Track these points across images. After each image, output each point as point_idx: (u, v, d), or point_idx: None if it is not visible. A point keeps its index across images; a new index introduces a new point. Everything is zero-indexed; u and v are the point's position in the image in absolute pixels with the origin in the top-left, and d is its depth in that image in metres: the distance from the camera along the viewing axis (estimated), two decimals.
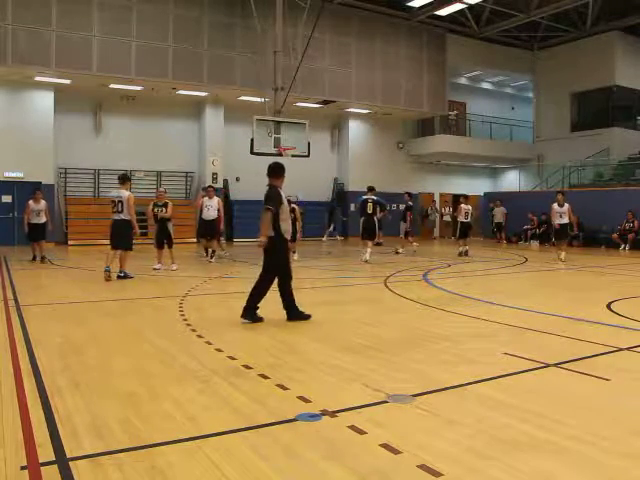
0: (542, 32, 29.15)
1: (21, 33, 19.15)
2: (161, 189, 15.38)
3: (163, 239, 13.61)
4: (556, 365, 5.47)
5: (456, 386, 4.83)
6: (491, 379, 5.04)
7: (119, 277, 11.46)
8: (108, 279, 11.13)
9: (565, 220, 16.10)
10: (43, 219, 15.77)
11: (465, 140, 30.32)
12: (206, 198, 15.69)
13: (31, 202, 15.70)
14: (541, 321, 7.83)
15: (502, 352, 5.97)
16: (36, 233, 15.52)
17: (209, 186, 16.96)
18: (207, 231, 15.60)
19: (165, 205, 13.63)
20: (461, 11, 25.95)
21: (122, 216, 11.50)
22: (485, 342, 6.55)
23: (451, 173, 32.21)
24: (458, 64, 29.57)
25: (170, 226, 13.71)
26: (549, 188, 27.47)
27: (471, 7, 25.63)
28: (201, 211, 15.56)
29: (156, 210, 13.61)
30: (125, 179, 12.05)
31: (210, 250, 15.76)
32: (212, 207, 15.46)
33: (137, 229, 11.82)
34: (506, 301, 9.41)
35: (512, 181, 32.26)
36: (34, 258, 15.54)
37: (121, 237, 11.58)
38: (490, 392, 4.69)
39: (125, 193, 11.59)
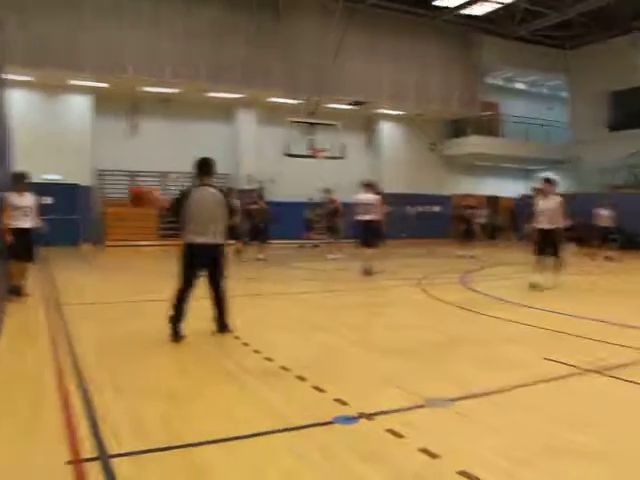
0: (576, 31, 28.69)
1: (59, 39, 19.50)
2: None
3: None
4: (597, 372, 5.38)
5: (495, 391, 4.78)
6: (531, 385, 4.98)
7: None
8: None
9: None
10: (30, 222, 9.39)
11: (498, 141, 30.01)
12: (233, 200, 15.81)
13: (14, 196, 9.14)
14: (582, 326, 7.70)
15: (542, 357, 5.89)
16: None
17: (229, 188, 17.13)
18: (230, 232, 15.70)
19: None
20: (494, 10, 25.67)
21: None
22: (524, 347, 6.47)
23: (484, 175, 31.90)
24: (491, 64, 29.25)
25: None
26: (586, 190, 27.01)
27: (505, 6, 25.35)
28: None
29: None
30: None
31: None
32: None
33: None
34: (545, 305, 9.27)
35: None
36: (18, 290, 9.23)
37: None
38: (530, 398, 4.64)
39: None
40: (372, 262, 13.29)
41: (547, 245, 10.90)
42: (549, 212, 10.78)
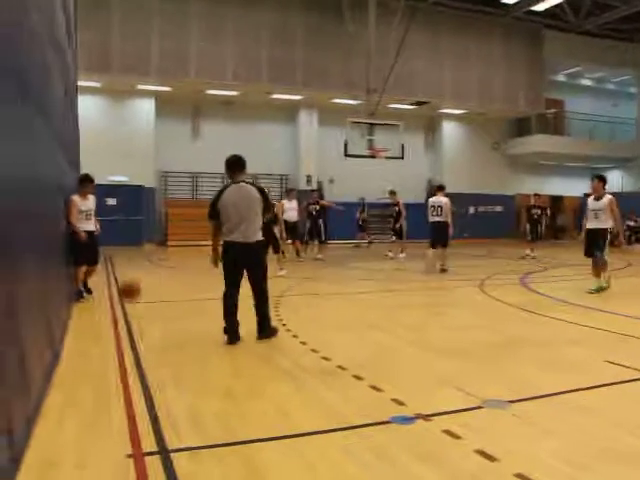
0: None
1: (125, 44, 20.05)
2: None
3: (268, 244, 12.86)
4: None
5: (554, 394, 4.69)
6: (592, 388, 4.86)
7: None
8: None
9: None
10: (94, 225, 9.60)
11: (563, 140, 29.27)
12: (286, 200, 15.91)
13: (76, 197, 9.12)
14: None
15: (603, 360, 5.75)
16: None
17: (290, 189, 17.22)
18: (291, 233, 15.80)
19: (272, 207, 13.07)
20: (559, 5, 24.98)
21: None
22: (585, 349, 6.32)
23: (549, 174, 31.16)
24: (556, 60, 28.54)
25: (276, 229, 13.15)
26: None
27: (570, 0, 24.72)
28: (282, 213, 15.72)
29: None
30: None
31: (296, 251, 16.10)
32: (293, 209, 15.73)
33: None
34: (606, 306, 9.03)
35: (614, 182, 30.93)
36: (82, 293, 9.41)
37: None
38: (590, 401, 4.54)
39: None
40: (445, 260, 13.96)
41: (592, 246, 10.52)
42: (599, 212, 10.36)
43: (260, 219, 6.56)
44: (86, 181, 9.33)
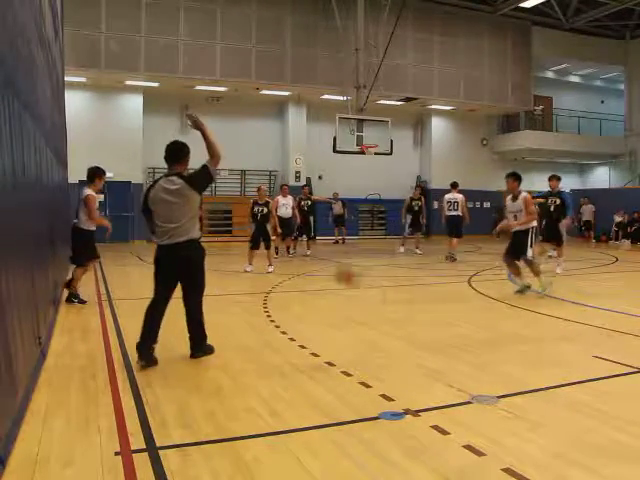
0: (636, 20, 27.84)
1: (113, 40, 19.92)
2: (264, 187, 14.51)
3: (260, 240, 13.02)
4: None
5: (543, 389, 4.72)
6: (580, 383, 4.89)
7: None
8: None
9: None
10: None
11: (551, 136, 29.36)
12: (280, 196, 15.87)
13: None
14: (633, 323, 7.52)
15: (591, 355, 5.78)
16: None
17: (283, 185, 17.16)
18: (284, 229, 15.77)
19: (266, 204, 13.28)
20: (547, 2, 25.07)
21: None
22: (573, 344, 6.36)
23: (536, 170, 31.24)
24: (544, 57, 28.64)
25: (269, 226, 13.30)
26: None
27: None
28: (276, 209, 15.69)
29: (256, 209, 13.21)
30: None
31: (289, 247, 16.06)
32: (287, 205, 15.69)
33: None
34: (595, 302, 9.09)
35: (602, 178, 31.11)
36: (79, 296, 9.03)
37: None
38: (579, 396, 4.56)
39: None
40: (455, 250, 15.61)
41: (516, 249, 9.67)
42: (518, 214, 9.54)
43: (197, 217, 5.65)
44: (100, 174, 8.87)
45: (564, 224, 12.74)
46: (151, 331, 5.44)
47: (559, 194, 12.87)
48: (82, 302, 8.81)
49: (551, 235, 12.66)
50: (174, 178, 5.49)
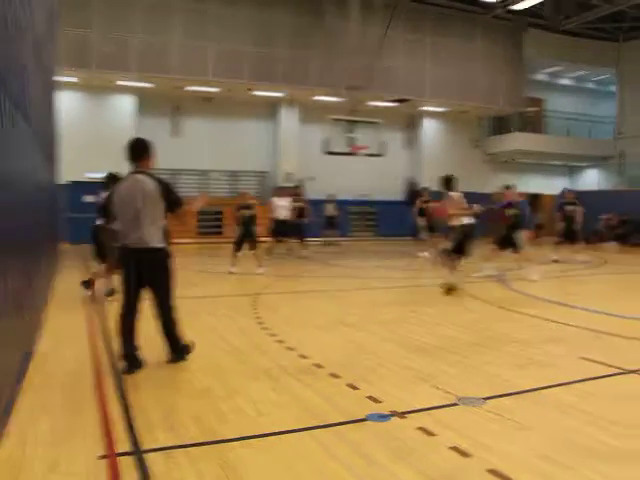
0: (629, 22, 27.93)
1: (104, 40, 19.87)
2: (245, 190, 14.51)
3: (243, 242, 12.93)
4: (635, 372, 5.28)
5: (529, 390, 4.74)
6: (566, 384, 4.92)
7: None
8: None
9: None
10: None
11: (543, 138, 29.49)
12: (276, 198, 15.84)
13: None
14: (620, 325, 7.56)
15: (578, 356, 5.81)
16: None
17: (279, 186, 17.13)
18: (280, 230, 15.74)
19: (249, 207, 13.10)
20: (540, 4, 25.09)
21: None
22: (560, 346, 6.38)
23: (527, 172, 31.37)
24: (536, 59, 28.75)
25: (254, 228, 13.11)
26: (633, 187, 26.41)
27: None
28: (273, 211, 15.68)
29: (241, 212, 13.07)
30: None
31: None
32: (283, 207, 15.65)
33: None
34: (583, 304, 9.13)
35: (591, 180, 31.22)
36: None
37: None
38: (565, 397, 4.58)
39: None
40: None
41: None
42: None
43: (162, 219, 5.51)
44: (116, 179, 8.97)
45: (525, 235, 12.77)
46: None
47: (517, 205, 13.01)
48: (87, 289, 9.18)
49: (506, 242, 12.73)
50: (142, 177, 5.39)
